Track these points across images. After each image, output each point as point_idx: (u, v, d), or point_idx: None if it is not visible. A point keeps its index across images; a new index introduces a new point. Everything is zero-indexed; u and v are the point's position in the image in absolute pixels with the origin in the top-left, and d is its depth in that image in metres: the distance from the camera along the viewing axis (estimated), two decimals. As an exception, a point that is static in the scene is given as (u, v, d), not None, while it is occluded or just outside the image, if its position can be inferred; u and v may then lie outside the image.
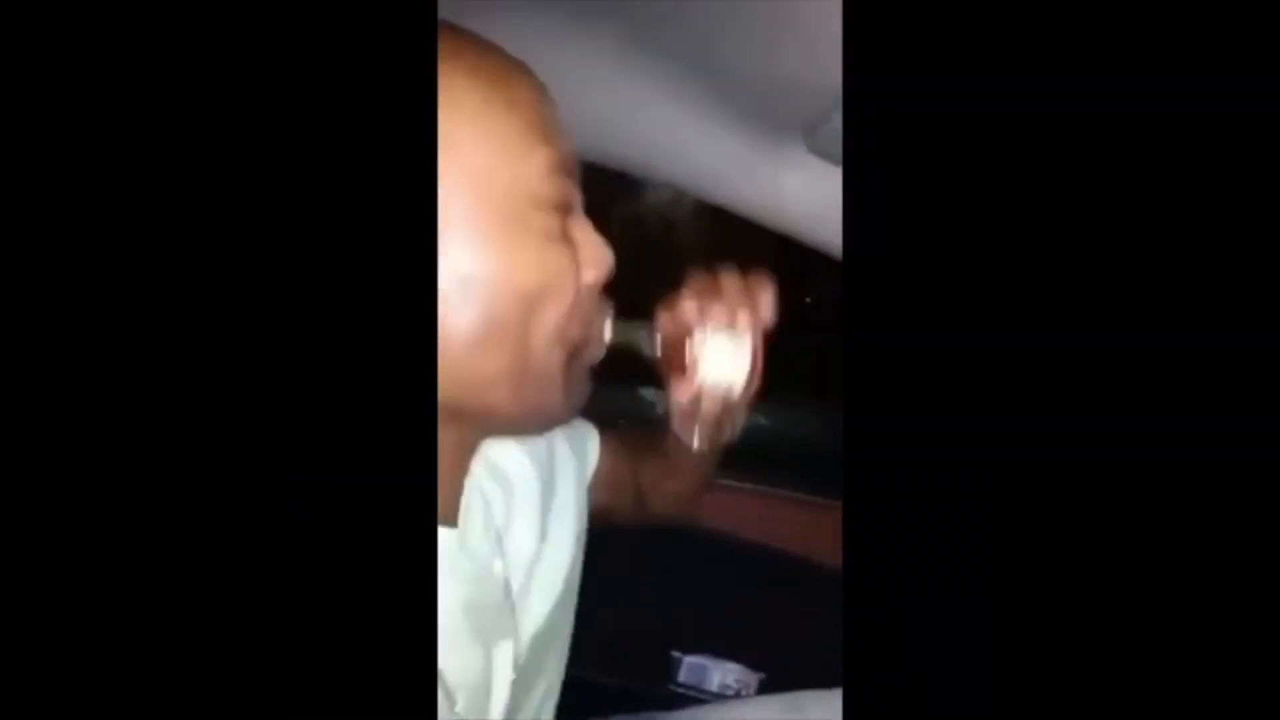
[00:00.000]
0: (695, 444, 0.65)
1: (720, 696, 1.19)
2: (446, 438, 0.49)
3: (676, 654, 1.20)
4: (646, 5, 0.68)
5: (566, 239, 0.49)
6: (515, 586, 0.61)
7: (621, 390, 1.13)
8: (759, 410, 0.66)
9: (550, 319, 0.48)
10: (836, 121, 0.70)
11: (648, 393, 1.03)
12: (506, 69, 0.48)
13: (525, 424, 0.54)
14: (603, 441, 0.76)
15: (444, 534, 0.52)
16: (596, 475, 0.74)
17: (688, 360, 0.60)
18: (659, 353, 0.58)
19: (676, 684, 1.20)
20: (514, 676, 0.56)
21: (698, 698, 1.18)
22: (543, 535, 0.65)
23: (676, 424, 0.65)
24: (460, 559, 0.54)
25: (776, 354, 0.63)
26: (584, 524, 0.70)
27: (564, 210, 0.49)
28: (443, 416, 0.47)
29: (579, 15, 0.71)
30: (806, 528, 1.18)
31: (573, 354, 0.51)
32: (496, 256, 0.46)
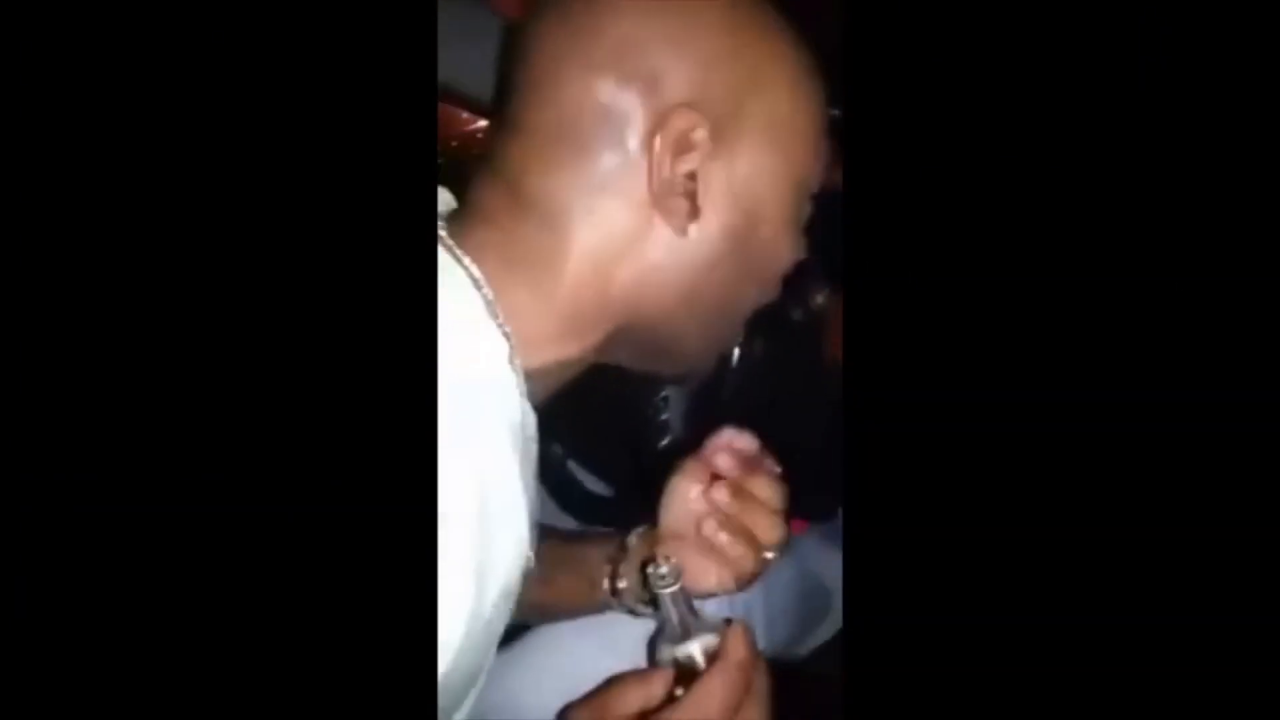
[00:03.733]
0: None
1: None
2: (602, 331, 0.51)
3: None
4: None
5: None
6: None
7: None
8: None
9: (769, 287, 0.54)
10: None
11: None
12: (809, 62, 0.53)
13: (688, 363, 0.57)
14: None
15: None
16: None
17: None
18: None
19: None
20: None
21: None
22: None
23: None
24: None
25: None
26: None
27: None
28: (620, 342, 0.52)
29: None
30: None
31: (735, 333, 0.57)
32: (774, 232, 0.52)
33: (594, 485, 0.93)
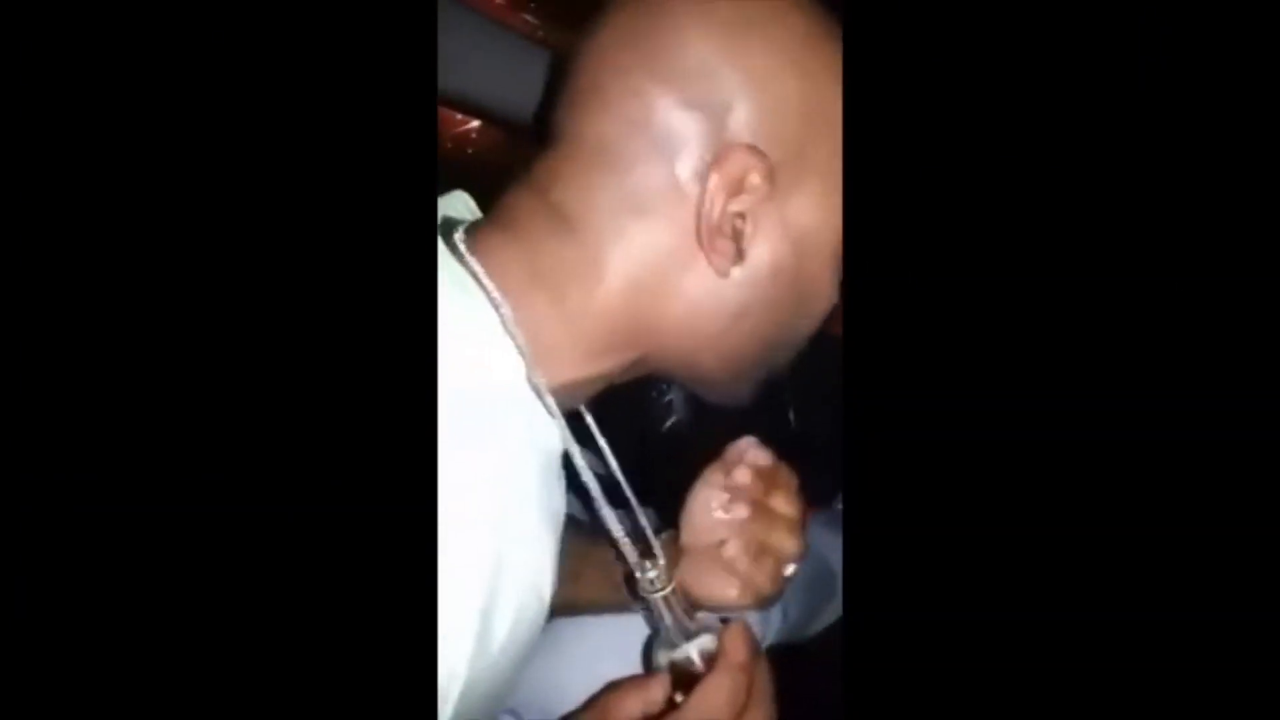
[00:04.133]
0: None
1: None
2: (625, 357, 0.50)
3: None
4: None
5: None
6: None
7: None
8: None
9: (809, 328, 0.53)
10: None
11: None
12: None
13: (722, 392, 0.55)
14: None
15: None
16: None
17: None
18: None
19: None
20: None
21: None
22: None
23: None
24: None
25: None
26: None
27: None
28: (653, 366, 0.51)
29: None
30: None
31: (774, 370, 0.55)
32: (819, 275, 0.50)
33: (597, 467, 0.92)
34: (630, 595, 0.59)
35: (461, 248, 0.47)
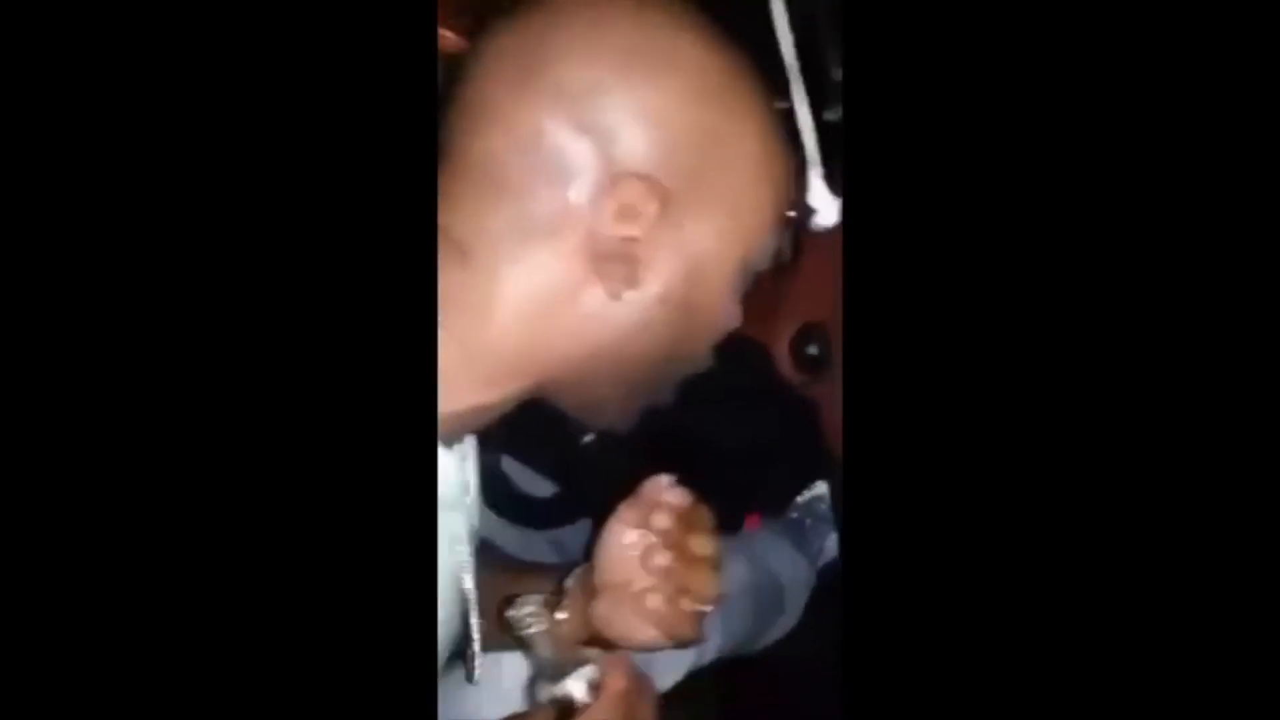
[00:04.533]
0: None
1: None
2: (519, 385, 0.50)
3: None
4: None
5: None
6: None
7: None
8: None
9: (701, 353, 0.52)
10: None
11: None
12: (779, 137, 0.51)
13: (609, 417, 0.55)
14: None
15: None
16: None
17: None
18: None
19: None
20: None
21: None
22: None
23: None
24: None
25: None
26: None
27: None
28: (532, 394, 0.50)
29: None
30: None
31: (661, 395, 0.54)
32: (713, 301, 0.50)
33: (527, 485, 0.88)
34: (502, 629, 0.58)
35: None
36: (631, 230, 0.46)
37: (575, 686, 0.50)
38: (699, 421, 0.67)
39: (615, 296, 0.47)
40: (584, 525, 0.99)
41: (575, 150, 0.46)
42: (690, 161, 0.47)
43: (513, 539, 0.89)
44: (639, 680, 0.51)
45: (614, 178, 0.46)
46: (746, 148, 0.49)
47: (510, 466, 0.90)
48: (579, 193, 0.46)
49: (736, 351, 0.73)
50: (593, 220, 0.46)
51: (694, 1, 0.50)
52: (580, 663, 0.51)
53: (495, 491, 0.88)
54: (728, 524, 0.85)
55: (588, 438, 0.73)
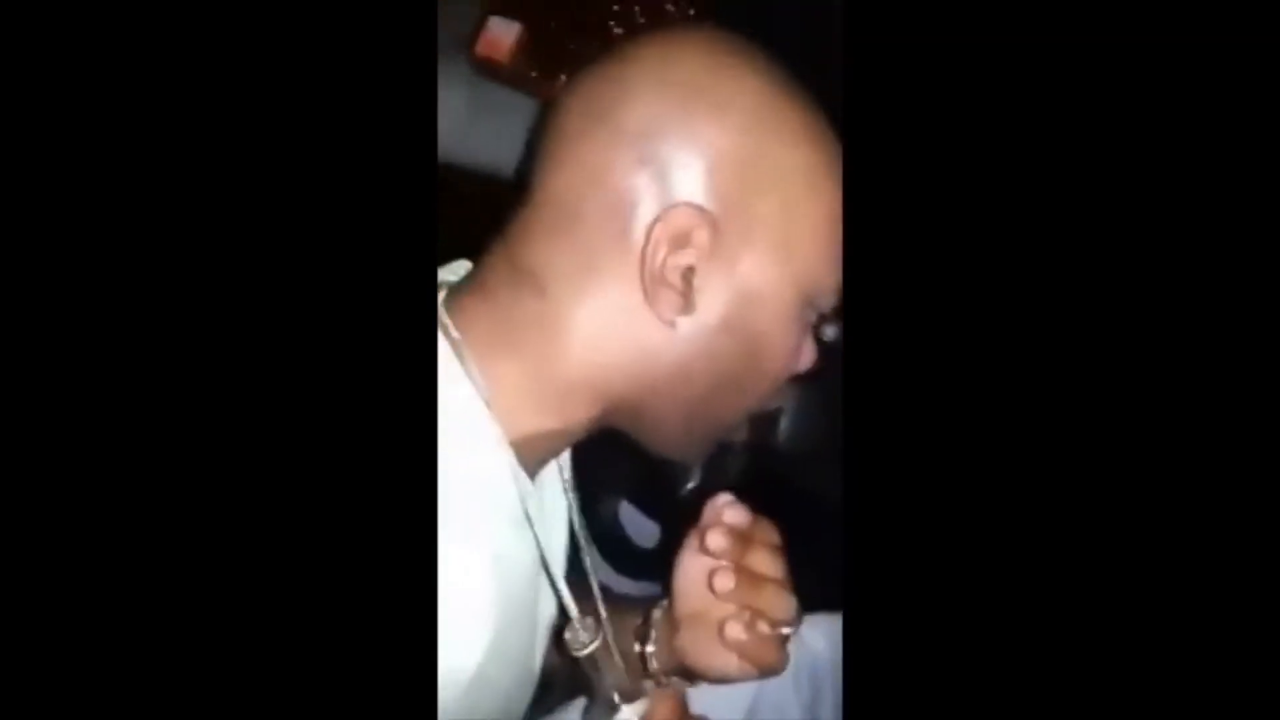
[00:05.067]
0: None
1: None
2: (585, 412, 0.52)
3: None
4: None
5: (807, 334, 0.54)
6: None
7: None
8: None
9: (763, 392, 0.53)
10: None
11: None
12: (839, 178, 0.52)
13: (661, 447, 0.56)
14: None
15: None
16: None
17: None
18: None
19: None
20: None
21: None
22: None
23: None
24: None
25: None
26: None
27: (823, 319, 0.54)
28: (597, 423, 0.52)
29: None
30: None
31: (742, 418, 0.55)
32: (772, 335, 0.51)
33: (638, 536, 0.88)
34: (560, 653, 0.57)
35: (442, 312, 0.50)
36: (685, 258, 0.47)
37: (631, 717, 0.50)
38: (779, 474, 0.65)
39: (670, 323, 0.48)
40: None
41: (634, 184, 0.48)
42: (740, 192, 0.48)
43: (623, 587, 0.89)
44: (687, 716, 0.50)
45: (666, 207, 0.47)
46: (800, 179, 0.50)
47: (626, 515, 0.91)
48: (635, 224, 0.48)
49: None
50: (645, 251, 0.47)
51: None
52: (635, 692, 0.50)
53: (605, 534, 0.89)
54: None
55: (690, 485, 0.72)
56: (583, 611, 0.56)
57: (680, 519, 0.74)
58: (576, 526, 0.62)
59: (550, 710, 0.72)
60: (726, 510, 0.58)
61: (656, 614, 0.62)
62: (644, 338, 0.49)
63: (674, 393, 0.51)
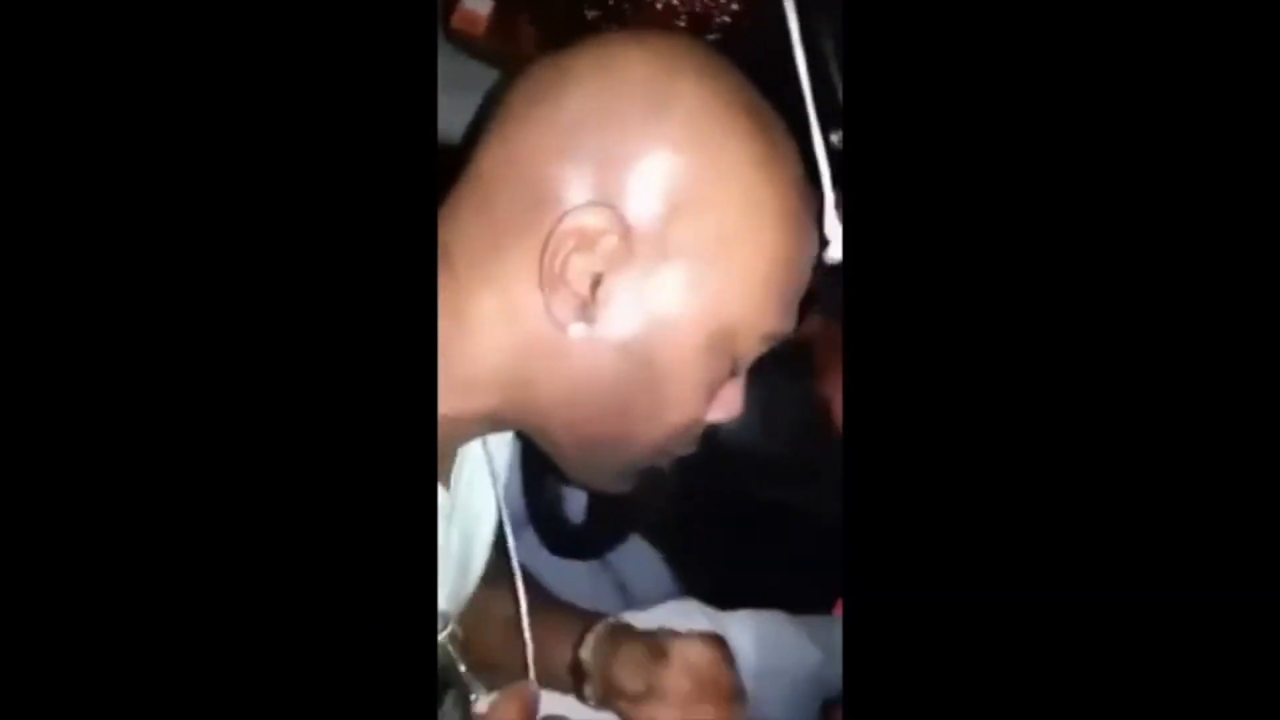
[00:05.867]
0: None
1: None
2: (489, 430, 0.53)
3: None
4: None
5: (723, 383, 0.50)
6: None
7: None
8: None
9: (669, 441, 0.50)
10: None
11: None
12: (803, 226, 0.49)
13: (570, 469, 0.54)
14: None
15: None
16: None
17: None
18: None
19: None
20: None
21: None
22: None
23: None
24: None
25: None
26: None
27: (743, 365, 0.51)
28: (507, 421, 0.51)
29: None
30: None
31: (648, 459, 0.52)
32: (676, 368, 0.47)
33: (574, 515, 0.89)
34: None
35: None
36: (590, 262, 0.45)
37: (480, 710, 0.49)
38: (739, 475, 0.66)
39: (562, 326, 0.46)
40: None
41: (553, 175, 0.45)
42: (669, 209, 0.45)
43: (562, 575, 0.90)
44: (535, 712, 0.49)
45: (578, 204, 0.45)
46: (741, 212, 0.47)
47: (568, 495, 0.91)
48: (547, 215, 0.45)
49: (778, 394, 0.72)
50: (550, 242, 0.45)
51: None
52: (490, 685, 0.50)
53: (546, 516, 0.90)
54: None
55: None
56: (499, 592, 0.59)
57: (598, 501, 0.75)
58: (504, 517, 0.62)
59: None
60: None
61: (600, 629, 0.64)
62: (537, 337, 0.47)
63: (563, 409, 0.48)
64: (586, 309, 0.46)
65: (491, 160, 0.48)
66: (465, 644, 0.50)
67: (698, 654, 0.62)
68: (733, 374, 0.50)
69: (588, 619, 0.68)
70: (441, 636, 0.48)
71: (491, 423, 0.51)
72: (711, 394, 0.49)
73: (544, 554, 0.92)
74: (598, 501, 0.78)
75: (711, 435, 0.70)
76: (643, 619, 0.74)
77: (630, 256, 0.45)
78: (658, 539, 0.97)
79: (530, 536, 0.97)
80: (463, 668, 0.49)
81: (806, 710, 0.74)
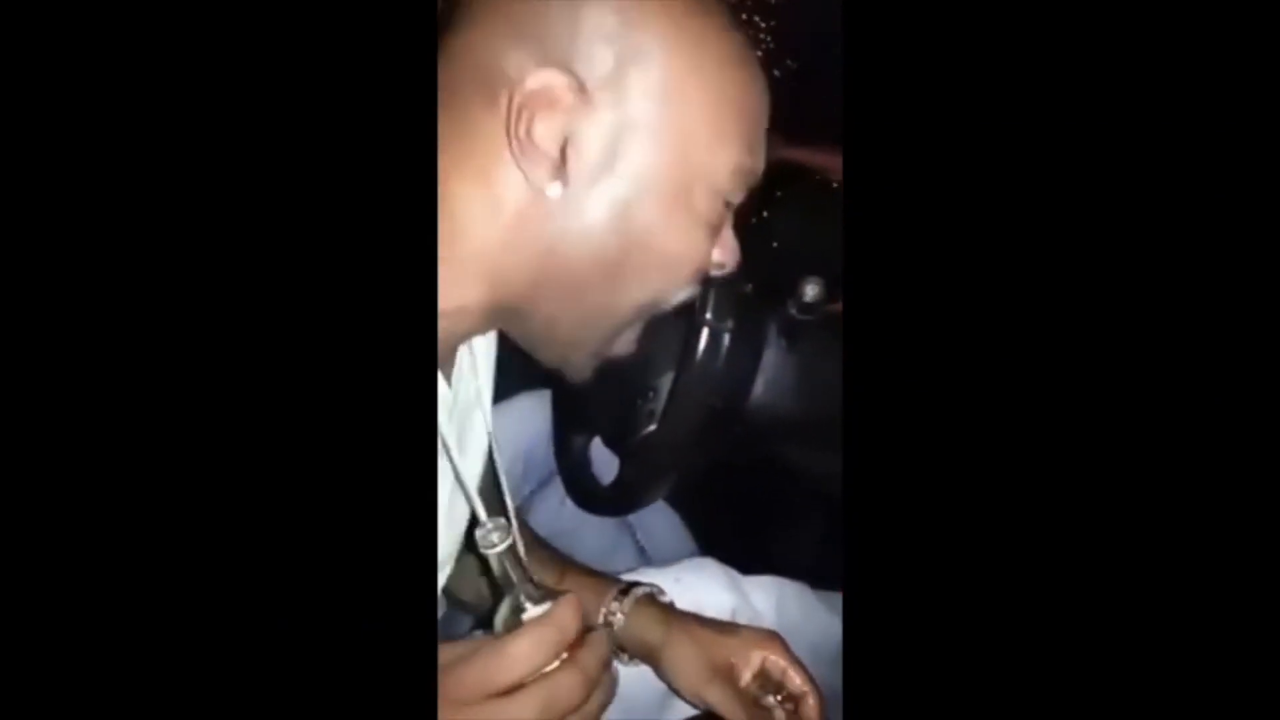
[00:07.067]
0: None
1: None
2: (481, 325, 0.55)
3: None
4: None
5: (717, 228, 0.53)
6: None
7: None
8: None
9: (660, 291, 0.52)
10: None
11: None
12: (746, 69, 0.52)
13: (553, 351, 0.56)
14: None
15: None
16: None
17: None
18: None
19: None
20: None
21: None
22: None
23: None
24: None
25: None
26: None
27: (727, 206, 0.53)
28: (499, 309, 0.52)
29: None
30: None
31: (637, 320, 0.54)
32: (656, 214, 0.50)
33: (603, 475, 0.89)
34: (469, 549, 0.58)
35: None
36: (553, 121, 0.47)
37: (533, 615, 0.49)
38: (758, 439, 0.66)
39: (540, 192, 0.48)
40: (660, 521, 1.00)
41: (506, 58, 0.48)
42: (620, 65, 0.48)
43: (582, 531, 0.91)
44: (586, 626, 0.49)
45: (532, 72, 0.47)
46: (688, 61, 0.49)
47: (596, 453, 0.92)
48: (505, 93, 0.48)
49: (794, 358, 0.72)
50: (512, 111, 0.47)
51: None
52: (540, 598, 0.49)
53: (573, 470, 0.91)
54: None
55: (649, 428, 0.74)
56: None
57: (634, 459, 0.76)
58: (493, 447, 0.63)
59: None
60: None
61: (638, 593, 0.67)
62: (519, 210, 0.49)
63: (557, 275, 0.50)
64: (559, 170, 0.48)
65: (449, 52, 0.49)
66: (520, 558, 0.50)
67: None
68: (725, 216, 0.53)
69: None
70: (501, 547, 0.48)
71: (488, 311, 0.53)
72: (712, 233, 0.52)
73: (566, 510, 0.93)
74: (629, 461, 0.79)
75: (747, 397, 0.70)
76: (661, 576, 0.75)
77: (590, 110, 0.48)
78: (680, 501, 0.98)
79: (553, 492, 0.98)
80: (516, 578, 0.49)
81: (826, 676, 0.74)
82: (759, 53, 0.56)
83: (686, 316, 0.64)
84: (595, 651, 0.47)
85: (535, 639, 0.46)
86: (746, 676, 0.66)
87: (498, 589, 0.50)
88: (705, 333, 0.61)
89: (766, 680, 0.66)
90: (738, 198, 0.53)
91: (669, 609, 0.71)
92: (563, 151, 0.48)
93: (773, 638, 0.67)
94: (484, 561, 0.49)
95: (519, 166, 0.48)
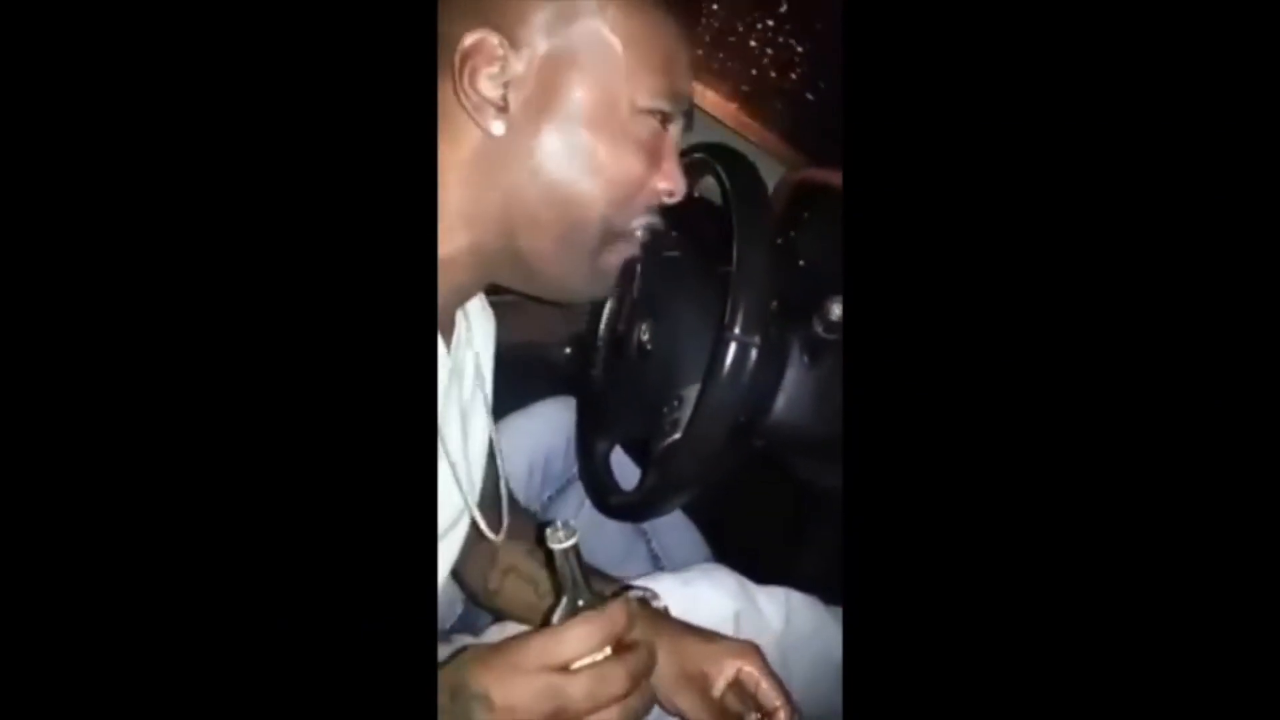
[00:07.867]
0: None
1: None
2: (472, 274, 0.62)
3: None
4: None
5: (654, 153, 0.61)
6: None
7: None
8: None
9: (608, 206, 0.60)
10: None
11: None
12: (656, 12, 0.59)
13: (550, 282, 0.64)
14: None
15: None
16: None
17: None
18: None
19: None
20: None
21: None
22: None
23: None
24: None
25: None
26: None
27: (660, 130, 0.61)
28: (483, 253, 0.61)
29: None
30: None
31: (609, 242, 0.62)
32: (588, 137, 0.58)
33: (624, 481, 0.91)
34: (539, 544, 0.65)
35: None
36: (490, 70, 0.56)
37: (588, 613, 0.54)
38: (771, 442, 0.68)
39: (489, 131, 0.57)
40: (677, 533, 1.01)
41: (454, 35, 0.56)
42: (539, 21, 0.57)
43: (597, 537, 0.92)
44: (635, 627, 0.55)
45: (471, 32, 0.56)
46: (623, 18, 0.58)
47: (617, 461, 0.94)
48: (451, 55, 0.56)
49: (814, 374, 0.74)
50: (458, 68, 0.56)
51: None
52: (596, 598, 0.55)
53: (594, 476, 0.92)
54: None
55: (672, 437, 0.75)
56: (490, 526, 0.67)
57: (658, 466, 0.77)
58: (495, 446, 0.69)
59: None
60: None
61: (629, 596, 0.66)
62: (478, 152, 0.58)
63: (520, 208, 0.59)
64: (503, 111, 0.57)
65: (449, 38, 0.57)
66: (581, 559, 0.55)
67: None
68: (663, 139, 0.61)
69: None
70: (567, 544, 0.54)
71: (475, 259, 0.61)
72: (647, 154, 0.60)
73: (582, 515, 0.95)
74: (652, 468, 0.80)
75: (769, 412, 0.71)
76: (671, 580, 0.76)
77: (524, 58, 0.57)
78: (696, 511, 0.99)
79: (571, 498, 0.99)
80: (576, 578, 0.55)
81: (827, 690, 0.75)
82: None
83: (715, 328, 0.66)
84: (641, 654, 0.54)
85: (590, 627, 0.52)
86: (720, 686, 0.67)
87: (559, 586, 0.55)
88: (733, 346, 0.63)
89: (743, 692, 0.67)
90: (669, 119, 0.60)
91: (658, 615, 0.73)
92: (504, 98, 0.57)
93: (750, 649, 0.68)
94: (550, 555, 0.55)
95: (472, 116, 0.57)
